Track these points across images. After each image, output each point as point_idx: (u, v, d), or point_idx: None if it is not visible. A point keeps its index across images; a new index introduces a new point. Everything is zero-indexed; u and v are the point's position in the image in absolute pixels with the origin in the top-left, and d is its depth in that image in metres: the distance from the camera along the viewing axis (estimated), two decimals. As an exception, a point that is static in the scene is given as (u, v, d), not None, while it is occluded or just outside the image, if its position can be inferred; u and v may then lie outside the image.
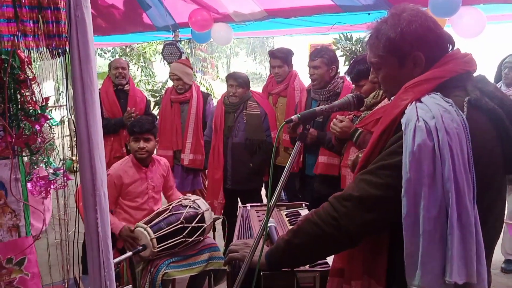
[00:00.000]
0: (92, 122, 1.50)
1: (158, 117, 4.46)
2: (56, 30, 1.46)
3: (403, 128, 1.14)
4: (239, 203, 3.91)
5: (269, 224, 1.66)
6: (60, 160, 2.12)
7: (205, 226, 2.73)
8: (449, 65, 1.21)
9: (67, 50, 1.53)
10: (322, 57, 3.10)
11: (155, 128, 3.10)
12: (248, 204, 2.18)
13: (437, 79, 1.20)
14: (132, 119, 3.99)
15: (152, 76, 9.61)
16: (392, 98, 1.30)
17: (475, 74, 1.27)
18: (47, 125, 1.71)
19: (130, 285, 2.48)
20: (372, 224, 1.20)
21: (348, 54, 5.74)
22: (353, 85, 2.67)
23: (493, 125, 1.16)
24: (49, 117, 1.71)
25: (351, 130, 2.49)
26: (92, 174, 1.52)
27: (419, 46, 1.23)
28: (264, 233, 1.33)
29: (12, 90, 1.60)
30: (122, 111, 4.08)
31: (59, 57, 1.51)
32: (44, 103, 1.64)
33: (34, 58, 1.60)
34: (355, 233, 1.21)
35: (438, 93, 1.17)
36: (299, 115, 1.34)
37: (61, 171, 1.86)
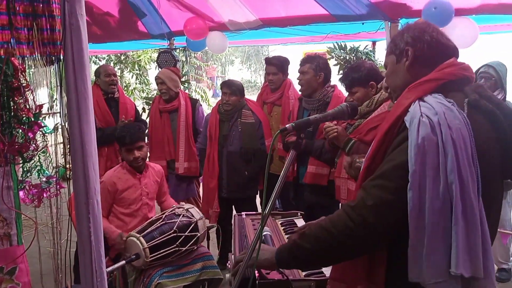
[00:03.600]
0: (86, 130, 1.49)
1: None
2: (51, 38, 1.46)
3: (407, 125, 1.17)
4: (234, 212, 3.90)
5: (264, 233, 1.65)
6: (53, 168, 2.11)
7: (199, 235, 2.71)
8: (448, 70, 1.26)
9: (61, 57, 1.53)
10: (310, 63, 3.14)
11: (144, 133, 3.08)
12: (243, 213, 2.17)
13: (438, 80, 1.24)
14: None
15: (147, 83, 9.60)
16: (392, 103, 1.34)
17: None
18: (40, 132, 1.70)
19: (123, 295, 2.45)
20: (391, 230, 1.18)
21: (342, 63, 5.77)
22: (347, 93, 2.68)
23: (492, 126, 1.19)
24: (43, 124, 1.70)
25: (344, 140, 2.49)
26: (86, 182, 1.51)
27: (411, 43, 1.32)
28: (259, 242, 1.32)
29: (5, 97, 1.59)
30: (114, 119, 4.02)
31: (53, 64, 1.51)
32: (37, 111, 1.63)
33: (28, 65, 1.59)
34: (373, 242, 1.20)
35: (440, 93, 1.21)
36: (293, 124, 1.35)
37: (54, 179, 1.84)
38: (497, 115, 1.20)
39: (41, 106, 1.71)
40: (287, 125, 1.35)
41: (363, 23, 3.64)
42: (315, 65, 3.13)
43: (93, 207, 1.54)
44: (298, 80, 3.22)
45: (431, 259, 1.09)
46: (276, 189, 1.34)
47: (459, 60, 1.33)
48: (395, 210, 1.15)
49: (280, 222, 2.02)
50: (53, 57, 1.56)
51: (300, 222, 2.02)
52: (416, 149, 1.11)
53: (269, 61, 3.80)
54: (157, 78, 4.05)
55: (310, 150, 3.03)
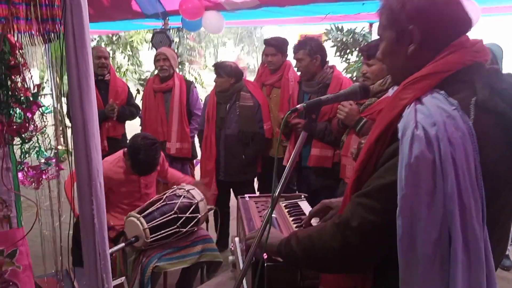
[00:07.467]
0: (88, 110, 1.45)
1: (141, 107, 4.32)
2: (50, 14, 1.40)
3: (399, 135, 0.99)
4: (231, 195, 3.88)
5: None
6: (50, 149, 2.05)
7: (200, 216, 2.69)
8: (454, 56, 1.05)
9: (60, 35, 1.47)
10: (303, 49, 3.11)
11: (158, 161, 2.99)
12: (246, 195, 2.14)
13: (440, 73, 1.04)
14: (115, 111, 3.89)
15: (140, 65, 9.46)
16: (392, 89, 1.21)
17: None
18: (39, 112, 1.64)
19: (124, 277, 2.43)
20: (375, 253, 1.08)
21: (339, 45, 5.73)
22: (364, 64, 2.60)
23: (503, 131, 1.00)
24: (41, 104, 1.65)
25: (356, 120, 2.47)
26: (88, 164, 1.47)
27: (417, 20, 1.07)
28: (269, 225, 1.30)
29: (2, 76, 1.53)
30: (103, 102, 3.91)
31: (51, 42, 1.45)
32: (36, 90, 1.57)
33: (25, 42, 1.53)
34: (356, 263, 1.12)
35: (443, 91, 1.01)
36: (305, 104, 1.31)
37: (53, 160, 1.80)
38: (509, 117, 1.00)
39: (39, 85, 1.65)
40: (298, 106, 1.31)
41: (363, 4, 3.58)
42: (308, 50, 3.09)
43: (96, 189, 1.50)
44: (296, 68, 3.21)
45: None
46: (286, 171, 1.32)
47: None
48: (381, 233, 1.04)
49: (284, 204, 2.00)
50: (52, 34, 1.49)
51: (303, 205, 2.00)
52: (408, 170, 0.94)
53: (268, 42, 3.73)
54: (160, 54, 3.96)
55: (313, 132, 3.01)
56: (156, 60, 4.01)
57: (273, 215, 1.70)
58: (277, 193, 1.31)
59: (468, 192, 0.92)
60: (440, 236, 0.94)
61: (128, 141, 2.94)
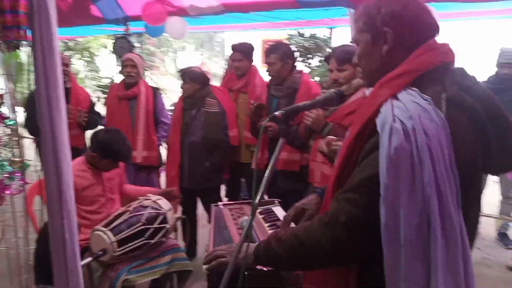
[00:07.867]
0: (57, 120, 1.39)
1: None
2: (15, 21, 1.33)
3: (378, 129, 1.05)
4: (197, 203, 3.83)
5: (245, 223, 1.61)
6: (12, 161, 1.95)
7: (168, 227, 2.63)
8: (425, 56, 1.14)
9: (22, 42, 1.41)
10: (276, 53, 3.13)
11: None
12: (220, 203, 2.12)
13: (413, 72, 1.13)
14: (83, 118, 3.78)
15: (98, 71, 9.20)
16: (368, 90, 1.27)
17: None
18: (3, 125, 1.56)
19: (90, 293, 2.34)
20: (364, 247, 1.11)
21: (301, 50, 5.81)
22: (335, 70, 2.54)
23: (471, 123, 1.08)
24: (5, 115, 1.57)
25: (322, 125, 2.49)
26: (58, 177, 1.41)
27: (391, 23, 1.17)
28: (248, 233, 1.29)
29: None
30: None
31: (18, 49, 1.38)
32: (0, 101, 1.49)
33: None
34: (345, 258, 1.15)
35: (416, 88, 1.09)
36: (283, 111, 1.31)
37: (17, 175, 1.71)
38: (477, 110, 1.08)
39: (2, 96, 1.57)
40: (276, 113, 1.31)
41: (326, 9, 3.64)
42: (280, 54, 3.12)
43: (66, 203, 1.44)
44: (268, 72, 3.23)
45: (411, 280, 1.01)
46: (265, 178, 1.31)
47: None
48: (368, 226, 1.07)
49: (258, 211, 1.99)
50: (15, 42, 1.43)
51: (277, 210, 2.00)
52: (388, 161, 1.00)
53: (235, 48, 3.71)
54: (128, 60, 3.88)
55: (288, 139, 3.01)
56: (123, 66, 3.92)
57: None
58: (256, 201, 1.29)
59: (444, 179, 0.99)
60: (420, 221, 0.99)
61: (90, 145, 2.84)
